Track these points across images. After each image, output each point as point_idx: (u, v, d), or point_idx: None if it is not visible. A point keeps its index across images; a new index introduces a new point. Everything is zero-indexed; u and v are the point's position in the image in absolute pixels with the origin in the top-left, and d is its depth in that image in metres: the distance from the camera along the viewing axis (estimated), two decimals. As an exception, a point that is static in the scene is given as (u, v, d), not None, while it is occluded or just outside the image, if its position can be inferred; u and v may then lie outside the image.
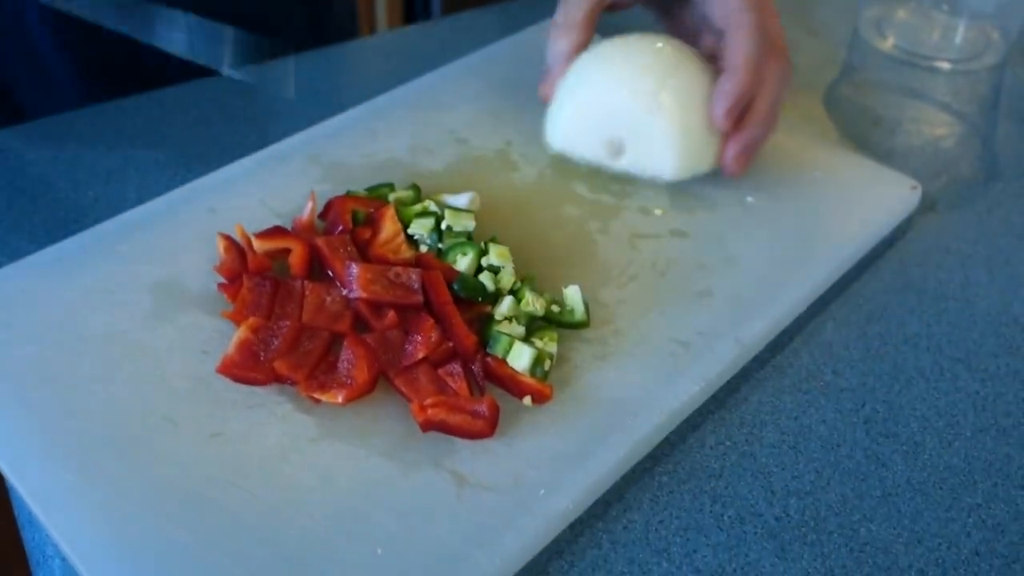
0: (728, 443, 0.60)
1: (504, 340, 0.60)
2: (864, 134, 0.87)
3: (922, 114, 0.91)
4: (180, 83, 0.88)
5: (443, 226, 0.67)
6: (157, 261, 0.66)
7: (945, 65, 0.97)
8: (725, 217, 0.74)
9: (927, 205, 0.78)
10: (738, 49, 0.68)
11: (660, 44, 0.73)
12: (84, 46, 0.89)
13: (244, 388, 0.59)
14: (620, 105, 0.71)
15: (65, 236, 0.69)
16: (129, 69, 0.90)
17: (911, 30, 1.02)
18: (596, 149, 0.74)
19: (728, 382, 0.63)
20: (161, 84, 0.88)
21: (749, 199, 0.75)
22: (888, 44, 1.00)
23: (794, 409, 0.62)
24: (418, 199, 0.71)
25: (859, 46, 1.00)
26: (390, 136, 0.79)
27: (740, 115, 0.70)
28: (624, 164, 0.74)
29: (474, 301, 0.63)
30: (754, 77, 0.68)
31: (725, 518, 0.55)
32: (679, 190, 0.76)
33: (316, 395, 0.58)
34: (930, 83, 0.95)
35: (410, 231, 0.66)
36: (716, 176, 0.77)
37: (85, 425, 0.56)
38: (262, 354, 0.59)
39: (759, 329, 0.64)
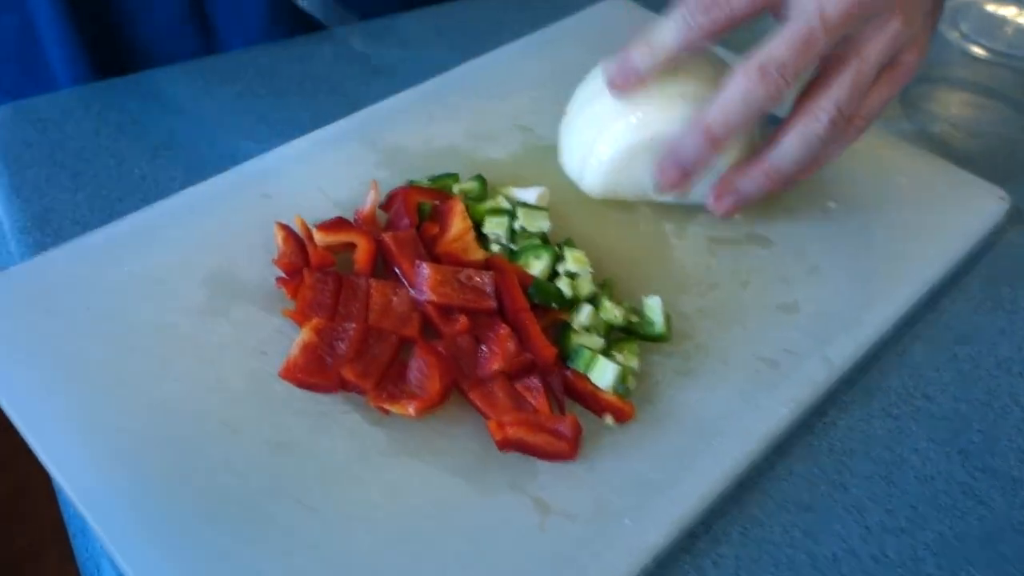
0: (817, 472, 0.56)
1: (586, 354, 0.56)
2: (944, 136, 0.83)
3: (1002, 116, 0.86)
4: (224, 51, 0.83)
5: (516, 226, 0.63)
6: (210, 250, 0.62)
7: (1014, 63, 0.92)
8: (806, 224, 0.70)
9: (1014, 217, 0.74)
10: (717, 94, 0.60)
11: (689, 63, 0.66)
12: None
13: (307, 394, 0.55)
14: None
15: (111, 217, 0.65)
16: (168, 37, 0.85)
17: (986, 22, 0.97)
18: (647, 187, 0.68)
19: (815, 404, 0.59)
20: (204, 52, 0.83)
21: (831, 204, 0.71)
22: (963, 38, 0.95)
23: (885, 436, 0.58)
24: (484, 192, 0.67)
25: (933, 39, 0.95)
26: (448, 120, 0.75)
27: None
28: (685, 197, 0.68)
29: (548, 308, 0.59)
30: (706, 136, 0.60)
31: (820, 557, 0.52)
32: (757, 192, 0.71)
33: (386, 406, 0.54)
34: (1009, 82, 0.91)
35: (485, 230, 0.62)
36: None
37: (137, 425, 0.53)
38: (328, 359, 0.55)
39: (847, 348, 0.61)
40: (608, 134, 0.65)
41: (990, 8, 1.00)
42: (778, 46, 0.58)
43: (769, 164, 0.63)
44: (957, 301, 0.68)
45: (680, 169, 0.62)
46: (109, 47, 0.84)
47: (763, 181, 0.63)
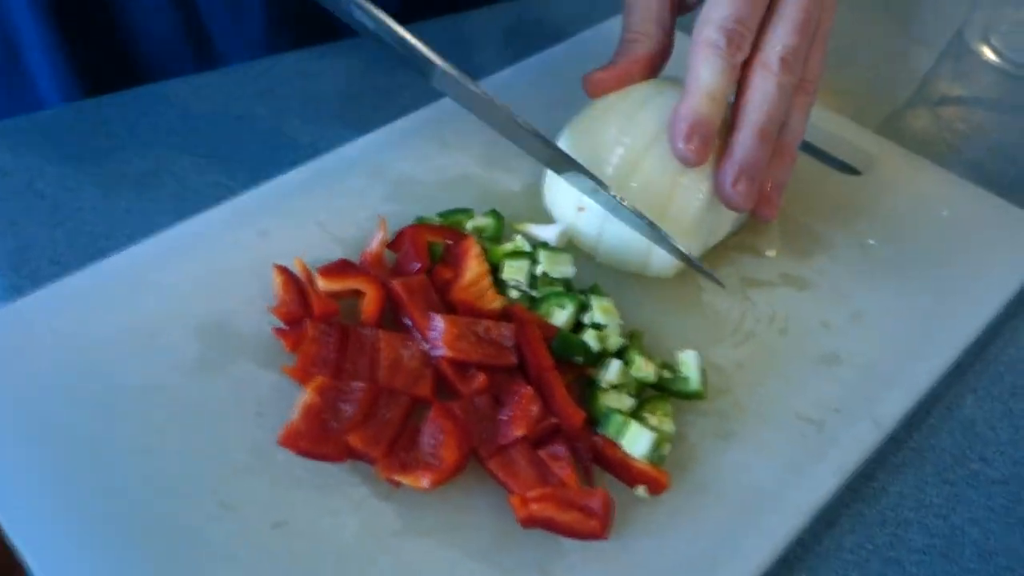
0: (869, 547, 0.52)
1: (617, 420, 0.51)
2: (981, 161, 0.78)
3: (1042, 140, 0.82)
4: (219, 68, 0.77)
5: (537, 270, 0.57)
6: (202, 296, 0.57)
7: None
8: (845, 263, 0.65)
9: (1063, 253, 0.69)
10: (691, 68, 0.57)
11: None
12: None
13: (310, 464, 0.50)
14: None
15: (93, 257, 0.60)
16: (162, 51, 0.80)
17: (1018, 37, 0.92)
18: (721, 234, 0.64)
19: (863, 467, 0.54)
20: (201, 67, 0.77)
21: (871, 242, 0.67)
22: (995, 53, 0.90)
23: (941, 505, 0.54)
24: (500, 229, 0.62)
25: (965, 56, 0.91)
26: (460, 147, 0.70)
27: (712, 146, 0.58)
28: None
29: (573, 363, 0.54)
30: (710, 99, 0.56)
31: (877, 647, 0.47)
32: (791, 227, 0.67)
33: (397, 477, 0.49)
34: (1046, 103, 0.86)
35: (503, 276, 0.57)
36: (830, 212, 0.68)
37: (123, 508, 0.47)
38: (332, 423, 0.50)
39: (896, 405, 0.56)
40: (680, 201, 0.59)
41: (1020, 20, 0.95)
42: (724, 5, 0.56)
43: (747, 123, 0.57)
44: (1007, 348, 0.63)
45: (703, 138, 0.56)
46: (98, 62, 0.78)
47: (751, 142, 0.57)
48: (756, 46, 0.57)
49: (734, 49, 0.56)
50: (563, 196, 0.62)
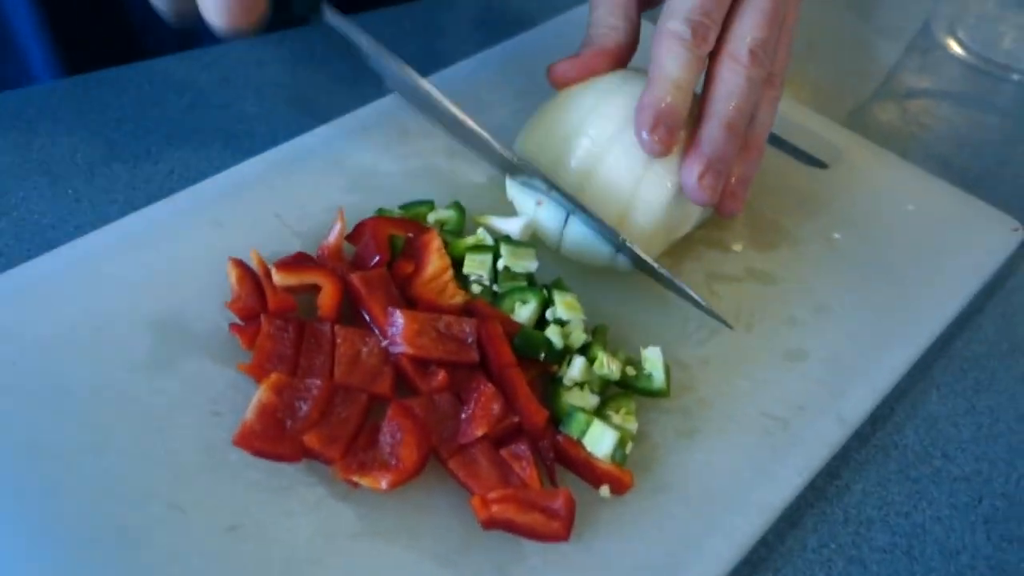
0: (833, 545, 0.51)
1: (580, 418, 0.50)
2: (948, 156, 0.78)
3: (1007, 135, 0.82)
4: (175, 53, 0.75)
5: (499, 265, 0.56)
6: (155, 289, 0.55)
7: (1016, 76, 0.88)
8: (810, 256, 0.64)
9: (1028, 248, 0.69)
10: (655, 59, 0.56)
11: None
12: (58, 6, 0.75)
13: (266, 464, 0.48)
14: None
15: (40, 248, 0.58)
16: (111, 34, 0.77)
17: (985, 31, 0.92)
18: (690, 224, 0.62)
19: (827, 464, 0.54)
20: (150, 53, 0.75)
21: (836, 235, 0.66)
22: (962, 48, 0.90)
23: (904, 503, 0.54)
24: (462, 222, 0.61)
25: (932, 49, 0.90)
26: (425, 136, 0.68)
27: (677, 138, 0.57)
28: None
29: (536, 360, 0.53)
30: (676, 88, 0.55)
31: (840, 648, 0.47)
32: (757, 221, 0.66)
33: (355, 478, 0.48)
34: (1010, 96, 0.86)
35: (465, 270, 0.56)
36: (796, 206, 0.67)
37: (69, 509, 0.46)
38: (288, 422, 0.49)
39: (861, 402, 0.56)
40: (645, 194, 0.58)
41: (985, 13, 0.96)
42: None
43: (714, 116, 0.56)
44: (971, 343, 0.63)
45: (668, 127, 0.55)
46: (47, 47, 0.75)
47: (718, 135, 0.56)
48: (723, 38, 0.56)
49: (699, 40, 0.55)
50: (523, 188, 0.61)
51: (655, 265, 0.57)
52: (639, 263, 0.57)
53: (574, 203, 0.57)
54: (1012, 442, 0.57)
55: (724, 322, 0.57)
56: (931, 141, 0.79)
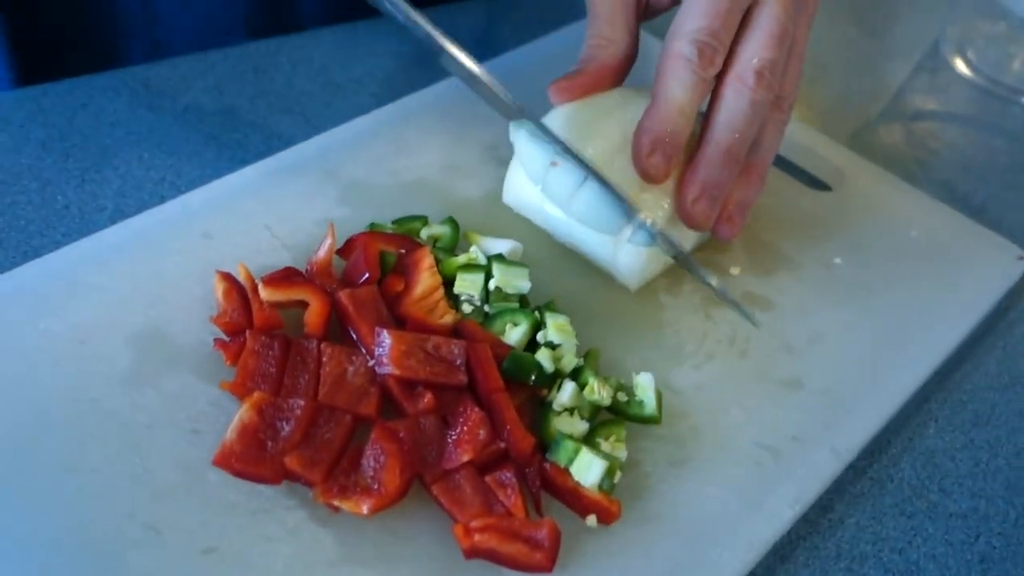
0: (824, 582, 0.50)
1: (568, 446, 0.49)
2: (953, 180, 0.77)
3: (1015, 160, 0.80)
4: (169, 57, 0.74)
5: (490, 285, 0.55)
6: (139, 302, 0.54)
7: (1026, 99, 0.87)
8: (809, 282, 0.63)
9: (1031, 278, 0.68)
10: (659, 80, 0.55)
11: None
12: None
13: (246, 485, 0.47)
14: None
15: (27, 256, 0.57)
16: (105, 38, 0.76)
17: (993, 52, 0.91)
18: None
19: (820, 497, 0.53)
20: (148, 57, 0.74)
21: (837, 260, 0.65)
22: (970, 69, 0.89)
23: (899, 539, 0.52)
24: (456, 239, 0.60)
25: (940, 70, 0.89)
26: (420, 149, 0.67)
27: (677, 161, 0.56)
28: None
29: (525, 383, 0.52)
30: (678, 114, 0.54)
31: None
32: (756, 245, 0.65)
33: (336, 502, 0.47)
34: (1020, 120, 0.85)
35: (456, 290, 0.55)
36: (797, 229, 0.66)
37: (44, 528, 0.45)
38: (269, 443, 0.48)
39: (856, 434, 0.55)
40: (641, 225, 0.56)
41: (996, 34, 0.94)
42: (697, 17, 0.54)
43: (714, 141, 0.55)
44: (971, 376, 0.62)
45: (666, 155, 0.54)
46: (39, 49, 0.74)
47: (716, 160, 0.55)
48: (730, 59, 0.55)
49: (706, 63, 0.54)
50: (535, 153, 0.59)
51: (674, 240, 0.55)
52: (656, 239, 0.56)
53: (589, 169, 0.55)
54: (1011, 478, 0.56)
55: (750, 318, 0.55)
56: (936, 165, 0.78)
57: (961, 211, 0.70)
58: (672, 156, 0.54)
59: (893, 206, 0.70)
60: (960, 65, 0.89)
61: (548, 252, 0.61)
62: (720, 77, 0.55)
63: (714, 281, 0.56)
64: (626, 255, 0.57)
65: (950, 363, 0.61)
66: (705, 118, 0.56)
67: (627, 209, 0.55)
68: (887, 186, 0.71)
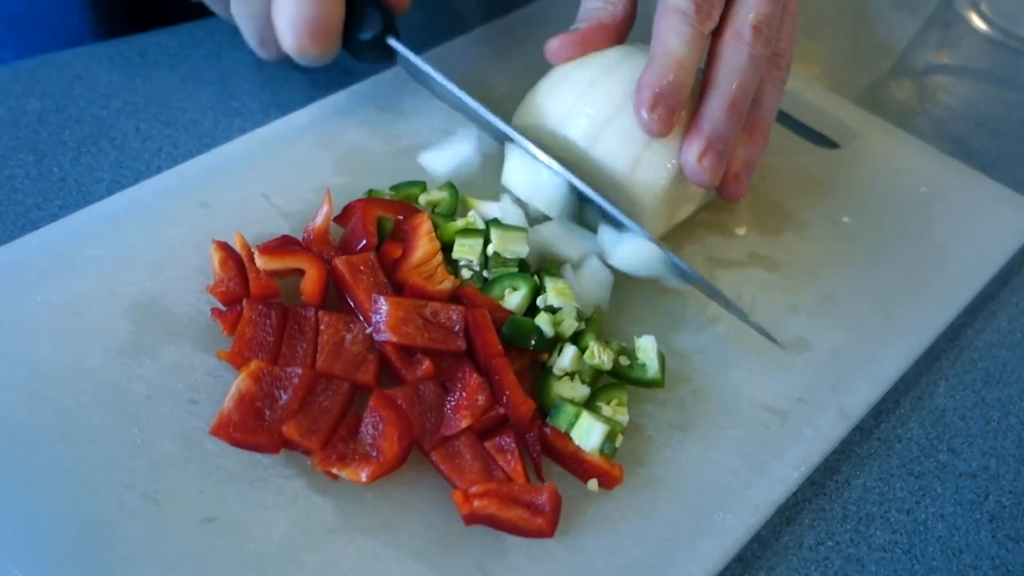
0: (830, 543, 0.49)
1: (568, 411, 0.48)
2: (965, 136, 0.75)
3: (1028, 113, 0.79)
4: (166, 26, 0.73)
5: (489, 250, 0.54)
6: (137, 272, 0.54)
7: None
8: (817, 241, 0.62)
9: (1045, 233, 0.66)
10: (657, 36, 0.54)
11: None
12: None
13: (244, 455, 0.47)
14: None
15: (24, 229, 0.57)
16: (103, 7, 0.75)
17: (1010, 5, 0.88)
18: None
19: (827, 458, 0.52)
20: (144, 26, 0.73)
21: (845, 219, 0.64)
22: (985, 22, 0.87)
23: (906, 499, 0.52)
24: (455, 204, 0.59)
25: (953, 23, 0.87)
26: (417, 116, 0.66)
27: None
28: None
29: (525, 348, 0.51)
30: (678, 66, 0.53)
31: (833, 652, 0.45)
32: (762, 204, 0.64)
33: (334, 470, 0.46)
34: (1034, 73, 0.83)
35: (454, 255, 0.54)
36: (804, 188, 0.65)
37: (40, 498, 0.45)
38: (267, 412, 0.47)
39: (865, 395, 0.54)
40: (644, 174, 0.56)
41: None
42: None
43: (715, 95, 0.54)
44: (982, 333, 0.61)
45: (669, 107, 0.53)
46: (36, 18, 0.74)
47: (720, 114, 0.54)
48: (726, 16, 0.54)
49: (703, 17, 0.52)
50: (564, 92, 0.58)
51: (699, 277, 0.54)
52: (682, 274, 0.55)
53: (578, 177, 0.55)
54: (1022, 436, 0.55)
55: (772, 338, 0.54)
56: (948, 120, 0.76)
57: (974, 166, 0.69)
58: (675, 109, 0.53)
59: (903, 162, 0.68)
60: (974, 18, 0.87)
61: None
62: (717, 34, 0.54)
63: (735, 303, 0.55)
64: (642, 206, 0.56)
65: (961, 321, 0.60)
66: (705, 75, 0.55)
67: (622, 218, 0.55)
68: (896, 142, 0.70)
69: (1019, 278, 0.64)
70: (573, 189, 0.56)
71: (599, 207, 0.55)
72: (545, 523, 0.45)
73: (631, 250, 0.55)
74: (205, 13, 0.67)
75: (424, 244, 0.54)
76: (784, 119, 0.70)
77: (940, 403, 0.56)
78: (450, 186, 0.60)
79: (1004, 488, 0.53)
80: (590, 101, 0.56)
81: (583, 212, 0.58)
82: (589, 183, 0.57)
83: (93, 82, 0.68)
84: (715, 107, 0.54)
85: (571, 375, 0.51)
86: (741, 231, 0.62)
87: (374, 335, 0.51)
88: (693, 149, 0.54)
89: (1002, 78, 0.82)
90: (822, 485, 0.52)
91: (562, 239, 0.57)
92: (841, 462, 0.53)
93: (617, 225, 0.55)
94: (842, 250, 0.62)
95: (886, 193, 0.66)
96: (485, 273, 0.54)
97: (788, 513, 0.50)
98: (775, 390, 0.53)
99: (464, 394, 0.48)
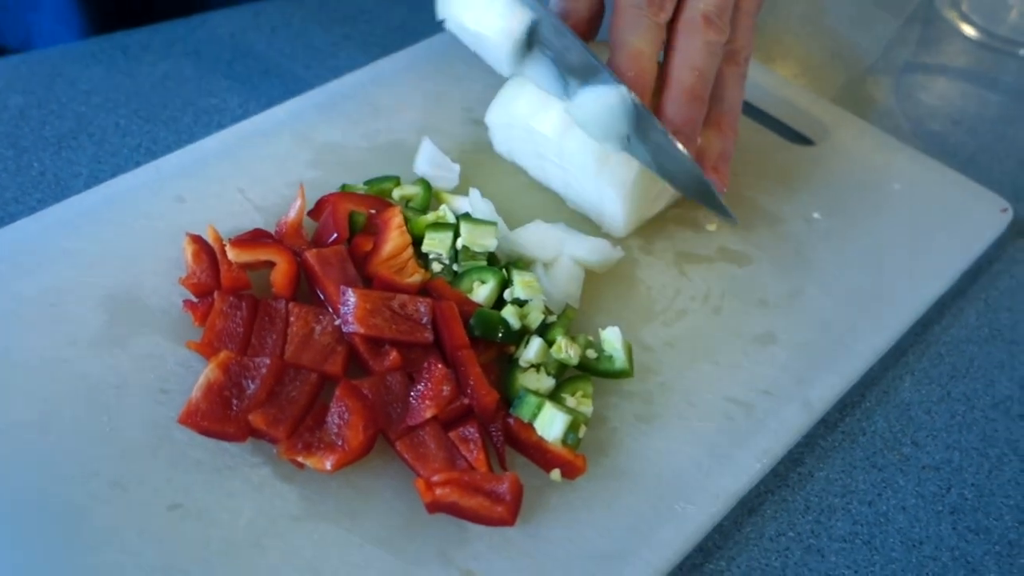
0: (791, 534, 0.50)
1: (531, 401, 0.49)
2: (942, 134, 0.76)
3: (1007, 112, 0.79)
4: (149, 24, 0.74)
5: (459, 244, 0.55)
6: (111, 265, 0.55)
7: (1022, 51, 0.85)
8: (788, 236, 0.63)
9: (1016, 231, 0.67)
10: (614, 31, 0.55)
11: None
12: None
13: (212, 443, 0.48)
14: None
15: (2, 222, 0.58)
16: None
17: (991, 4, 0.89)
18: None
19: (791, 451, 0.52)
20: (127, 23, 0.74)
21: (816, 215, 0.64)
22: (962, 19, 0.87)
23: (868, 491, 0.52)
24: (428, 199, 0.60)
25: (934, 22, 0.88)
26: (396, 112, 0.67)
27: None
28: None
29: (492, 340, 0.52)
30: (637, 57, 0.54)
31: (790, 640, 0.46)
32: (734, 200, 0.64)
33: (300, 459, 0.47)
34: (1013, 71, 0.83)
35: (424, 248, 0.55)
36: (777, 184, 0.66)
37: (13, 484, 0.46)
38: (235, 401, 0.48)
39: (830, 388, 0.54)
40: (616, 166, 0.57)
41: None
42: None
43: (674, 81, 0.55)
44: (951, 328, 0.61)
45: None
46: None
47: (680, 99, 0.55)
48: (680, 8, 0.55)
49: (656, 9, 0.53)
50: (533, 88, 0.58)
51: (667, 137, 0.54)
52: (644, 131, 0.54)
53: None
54: (987, 430, 0.56)
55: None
56: (926, 118, 0.77)
57: (950, 164, 0.69)
58: (639, 98, 0.53)
59: (876, 160, 0.69)
60: (954, 17, 0.88)
61: (522, 208, 0.61)
62: (672, 27, 0.55)
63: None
64: (611, 201, 0.57)
65: (929, 316, 0.61)
66: (664, 67, 0.56)
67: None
68: (871, 140, 0.70)
69: (989, 275, 0.65)
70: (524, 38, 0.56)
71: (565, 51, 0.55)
72: (506, 511, 0.46)
73: (594, 99, 0.54)
74: (185, 12, 0.68)
75: (395, 238, 0.55)
76: (758, 115, 0.71)
77: (905, 397, 0.57)
78: (423, 182, 0.60)
79: (967, 481, 0.53)
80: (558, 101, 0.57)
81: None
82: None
83: (74, 78, 0.69)
84: (676, 94, 0.55)
85: (536, 367, 0.52)
86: (712, 227, 0.63)
87: (342, 327, 0.51)
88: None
89: (981, 76, 0.82)
90: (785, 477, 0.52)
91: (534, 243, 0.57)
92: (805, 454, 0.53)
93: (581, 75, 0.55)
94: (812, 246, 0.62)
95: (859, 189, 0.66)
96: (455, 267, 0.55)
97: (750, 504, 0.51)
98: (741, 383, 0.54)
99: (430, 384, 0.49)
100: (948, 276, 0.62)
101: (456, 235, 0.55)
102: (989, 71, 0.83)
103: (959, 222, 0.65)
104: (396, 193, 0.60)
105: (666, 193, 0.60)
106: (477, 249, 0.55)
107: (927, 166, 0.69)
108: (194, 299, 0.53)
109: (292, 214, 0.57)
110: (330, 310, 0.53)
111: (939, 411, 0.56)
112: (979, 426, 0.56)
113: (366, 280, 0.54)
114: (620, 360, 0.52)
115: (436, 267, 0.55)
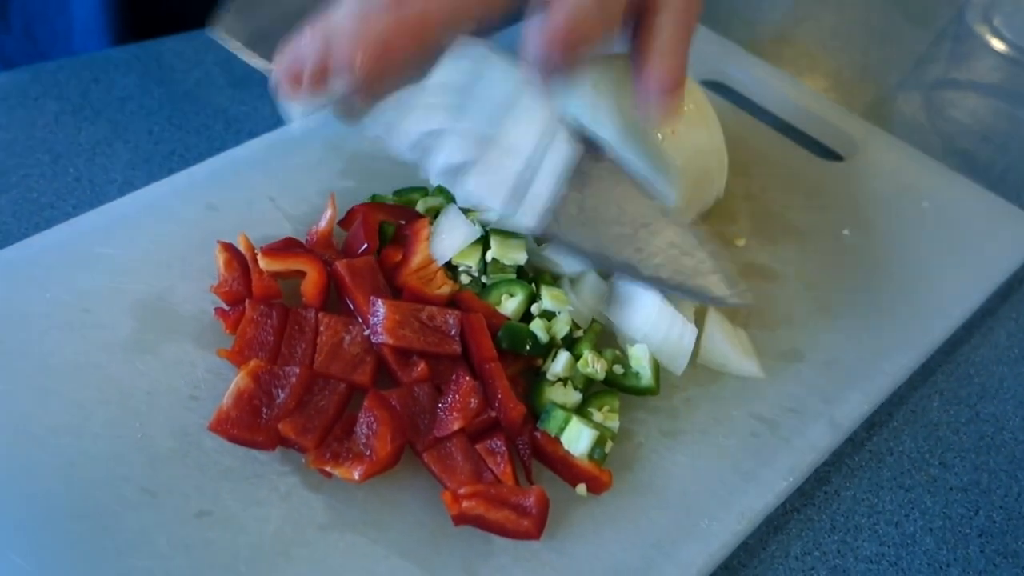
0: (817, 553, 0.50)
1: (558, 415, 0.49)
2: (971, 150, 0.75)
3: (1038, 130, 0.78)
4: (181, 31, 0.75)
5: (488, 256, 0.55)
6: (143, 272, 0.56)
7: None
8: (816, 253, 0.62)
9: (1048, 250, 0.66)
10: None
11: None
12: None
13: (241, 451, 0.48)
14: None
15: (38, 227, 0.58)
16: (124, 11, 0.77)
17: (1022, 21, 0.88)
18: None
19: (817, 469, 0.52)
20: (159, 31, 0.75)
21: (845, 232, 0.64)
22: (996, 36, 0.87)
23: (895, 512, 0.52)
24: (454, 209, 0.60)
25: (965, 38, 0.87)
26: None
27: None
28: None
29: (520, 353, 0.52)
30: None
31: (815, 661, 0.46)
32: (763, 215, 0.64)
33: (328, 468, 0.47)
34: (1046, 90, 0.83)
35: (454, 261, 0.55)
36: (806, 200, 0.65)
37: (41, 489, 0.46)
38: (265, 410, 0.49)
39: (857, 407, 0.54)
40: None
41: (1026, 0, 0.92)
42: None
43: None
44: (980, 348, 0.61)
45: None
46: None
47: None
48: None
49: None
50: None
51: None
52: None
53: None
54: (1016, 452, 0.55)
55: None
56: (956, 134, 0.76)
57: (979, 182, 0.69)
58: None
59: (905, 176, 0.68)
60: (985, 33, 0.87)
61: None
62: None
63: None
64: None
65: (958, 336, 0.60)
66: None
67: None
68: (900, 156, 0.70)
69: (1019, 294, 0.64)
70: None
71: None
72: (532, 525, 0.46)
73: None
74: None
75: (424, 249, 0.55)
76: (788, 130, 0.71)
77: (934, 417, 0.57)
78: (442, 190, 0.61)
79: (995, 503, 0.53)
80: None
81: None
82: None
83: (109, 85, 0.69)
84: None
85: (564, 381, 0.52)
86: (741, 242, 0.62)
87: (371, 337, 0.52)
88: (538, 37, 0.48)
89: (1012, 93, 0.82)
90: (811, 495, 0.52)
91: (562, 257, 0.57)
92: (831, 473, 0.53)
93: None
94: (840, 263, 0.62)
95: (888, 207, 0.66)
96: (483, 279, 0.55)
97: (776, 522, 0.51)
98: (767, 400, 0.54)
99: (457, 397, 0.49)
100: (977, 295, 0.61)
101: (485, 248, 0.56)
102: (1020, 87, 0.83)
103: (989, 241, 0.65)
104: (421, 204, 0.60)
105: (696, 203, 0.60)
106: (507, 262, 0.55)
107: (957, 183, 0.69)
108: (225, 307, 0.54)
109: (323, 223, 0.57)
110: (359, 320, 0.53)
111: (968, 432, 0.56)
112: (1008, 448, 0.55)
113: (395, 291, 0.54)
114: (647, 377, 0.52)
115: (464, 279, 0.56)
